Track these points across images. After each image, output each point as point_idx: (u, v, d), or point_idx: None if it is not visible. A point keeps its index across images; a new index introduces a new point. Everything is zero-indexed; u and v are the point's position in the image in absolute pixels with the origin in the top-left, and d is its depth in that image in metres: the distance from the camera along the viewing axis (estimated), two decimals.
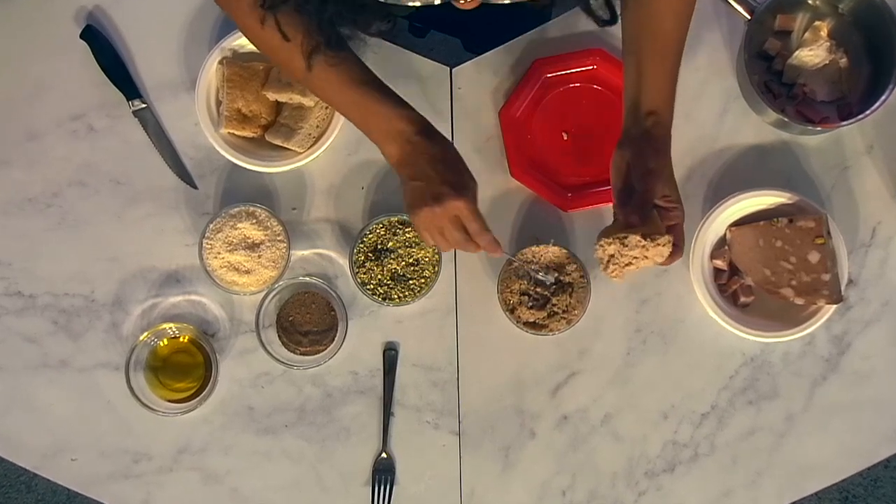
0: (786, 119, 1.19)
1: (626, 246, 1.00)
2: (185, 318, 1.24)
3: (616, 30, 1.27)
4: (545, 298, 1.19)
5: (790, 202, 1.20)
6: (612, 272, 1.02)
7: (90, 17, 1.28)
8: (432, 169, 0.99)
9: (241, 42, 1.23)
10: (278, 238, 1.20)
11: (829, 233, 1.17)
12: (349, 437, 1.23)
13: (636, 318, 1.24)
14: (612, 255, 1.01)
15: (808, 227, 1.17)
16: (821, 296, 1.16)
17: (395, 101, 1.01)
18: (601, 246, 1.01)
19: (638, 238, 0.99)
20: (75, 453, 1.23)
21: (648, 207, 1.01)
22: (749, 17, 1.21)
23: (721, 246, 1.21)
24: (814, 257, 1.17)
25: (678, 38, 1.04)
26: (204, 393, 1.19)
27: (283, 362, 1.19)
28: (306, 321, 1.22)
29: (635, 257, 1.00)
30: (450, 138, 1.26)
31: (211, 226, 1.20)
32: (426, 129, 1.00)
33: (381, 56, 1.28)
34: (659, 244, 0.99)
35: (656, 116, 1.02)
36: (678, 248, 1.02)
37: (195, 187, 1.26)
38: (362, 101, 1.01)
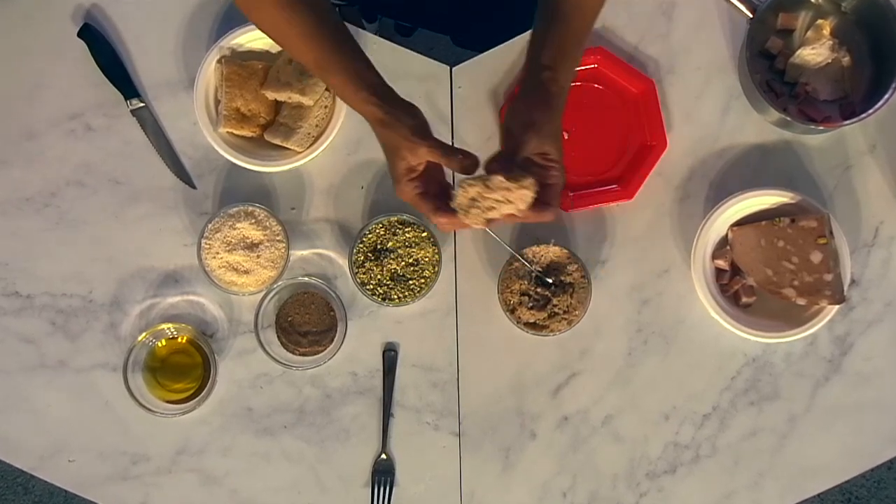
0: (788, 118, 1.19)
1: (489, 188, 0.96)
2: (183, 319, 1.24)
3: (617, 29, 1.28)
4: (546, 299, 1.19)
5: (792, 202, 1.20)
6: (474, 217, 0.98)
7: (88, 16, 1.28)
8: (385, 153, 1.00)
9: (239, 41, 1.23)
10: (277, 238, 1.20)
11: (831, 233, 1.17)
12: (349, 438, 1.23)
13: (637, 319, 1.24)
14: (473, 199, 0.97)
15: (810, 226, 1.17)
16: (823, 296, 1.17)
17: (354, 55, 0.99)
18: (462, 187, 0.97)
19: (500, 178, 0.95)
20: (73, 454, 1.23)
21: (518, 158, 0.99)
22: (751, 16, 1.21)
23: (723, 246, 1.22)
24: (816, 257, 1.17)
25: (593, 6, 1.03)
26: (202, 394, 1.19)
27: (282, 363, 1.19)
28: (305, 321, 1.23)
29: (498, 200, 0.96)
30: (450, 138, 1.27)
31: (209, 226, 1.20)
32: (382, 121, 0.98)
33: (380, 55, 1.28)
34: (524, 186, 0.95)
35: (553, 72, 1.00)
36: (549, 208, 0.99)
37: (194, 187, 1.26)
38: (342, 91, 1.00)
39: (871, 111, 1.17)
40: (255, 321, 1.19)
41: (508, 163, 0.99)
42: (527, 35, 1.28)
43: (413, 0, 1.51)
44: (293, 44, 1.00)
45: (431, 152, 0.97)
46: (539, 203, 0.98)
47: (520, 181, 0.96)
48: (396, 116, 0.97)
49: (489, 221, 0.99)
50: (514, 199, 0.97)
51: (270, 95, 1.23)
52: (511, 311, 1.19)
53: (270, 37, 1.04)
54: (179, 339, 1.23)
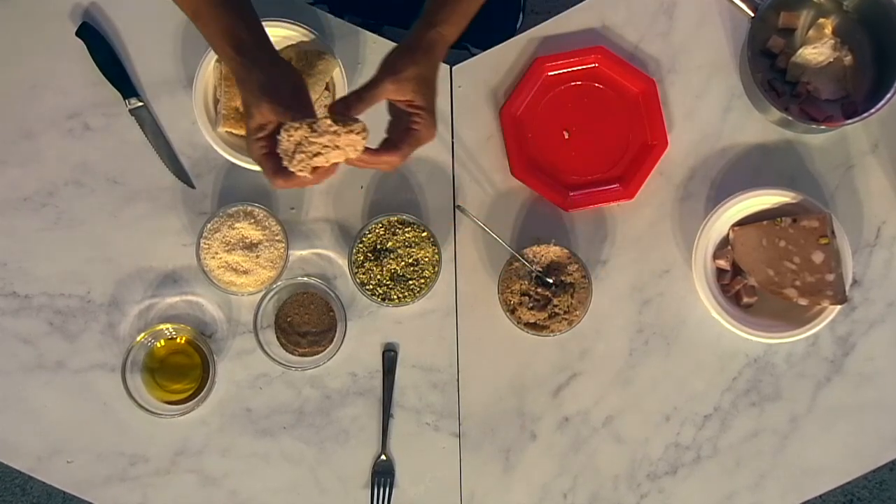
0: (789, 118, 1.19)
1: (315, 132, 0.92)
2: (182, 319, 1.24)
3: (618, 27, 1.28)
4: (546, 299, 1.19)
5: (794, 201, 1.20)
6: (299, 163, 0.93)
7: (86, 15, 1.28)
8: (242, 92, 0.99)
9: None
10: (277, 238, 1.20)
11: (833, 232, 1.18)
12: (348, 439, 1.23)
13: (638, 319, 1.24)
14: (298, 143, 0.93)
15: (811, 226, 1.18)
16: (825, 296, 1.17)
17: (231, 13, 0.99)
18: (286, 131, 0.92)
19: (328, 122, 0.92)
20: (71, 456, 1.24)
21: (365, 98, 0.98)
22: (752, 15, 1.21)
23: (724, 246, 1.22)
24: (818, 257, 1.17)
25: None
26: (201, 394, 1.19)
27: (281, 363, 1.20)
28: (305, 322, 1.23)
29: (325, 146, 0.92)
30: (450, 137, 1.27)
31: (208, 225, 1.20)
32: (237, 76, 0.99)
33: (379, 53, 1.28)
34: (353, 131, 0.92)
35: (438, 28, 1.01)
36: (397, 151, 0.98)
37: (192, 186, 1.26)
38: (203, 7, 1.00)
39: (873, 110, 1.17)
40: (255, 321, 1.19)
41: (355, 104, 0.97)
42: (528, 33, 1.29)
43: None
44: None
45: (274, 110, 0.95)
46: (388, 144, 0.99)
47: (349, 126, 0.93)
48: (248, 72, 0.97)
49: (315, 169, 0.95)
50: (343, 144, 0.93)
51: None
52: (511, 311, 1.19)
53: None
54: (178, 340, 1.23)
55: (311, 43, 1.23)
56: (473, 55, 1.30)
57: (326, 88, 1.23)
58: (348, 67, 1.25)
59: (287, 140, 0.94)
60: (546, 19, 1.29)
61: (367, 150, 0.97)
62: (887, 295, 1.24)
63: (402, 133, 1.00)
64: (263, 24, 1.20)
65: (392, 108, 1.04)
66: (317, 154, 0.93)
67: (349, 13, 1.48)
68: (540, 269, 1.19)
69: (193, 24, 1.03)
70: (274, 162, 0.97)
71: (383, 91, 0.99)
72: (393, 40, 1.26)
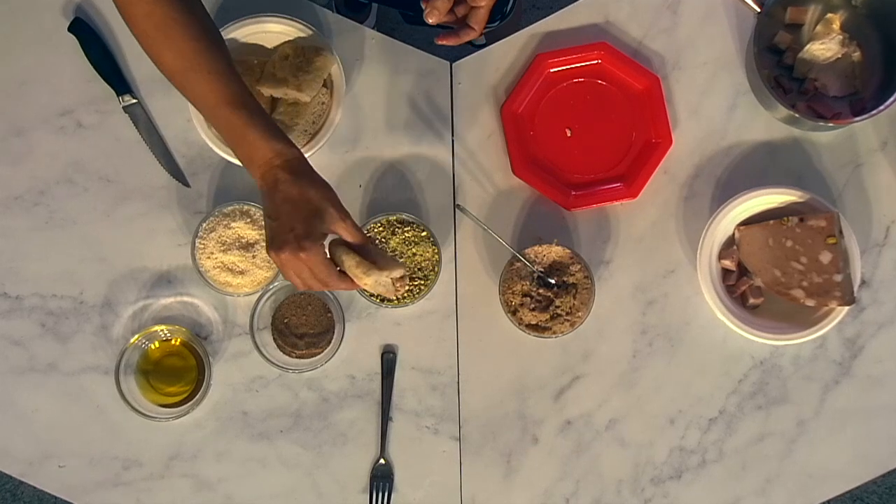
0: (796, 115, 1.20)
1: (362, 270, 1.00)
2: (177, 321, 1.25)
3: (621, 23, 1.29)
4: (548, 300, 1.20)
5: (801, 200, 1.21)
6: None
7: (78, 10, 1.29)
8: (284, 211, 0.97)
9: (234, 36, 1.24)
10: None
11: (841, 232, 1.18)
12: (346, 443, 1.24)
13: (642, 320, 1.25)
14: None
15: (819, 226, 1.18)
16: (833, 297, 1.17)
17: (264, 127, 0.99)
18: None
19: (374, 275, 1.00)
20: (63, 460, 1.24)
21: None
22: (759, 10, 1.22)
23: (729, 246, 1.22)
24: (825, 257, 1.18)
25: None
26: (196, 397, 1.20)
27: (278, 366, 1.20)
28: (302, 323, 1.23)
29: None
30: (450, 135, 1.27)
31: (204, 225, 1.21)
32: (290, 164, 0.99)
33: (378, 50, 1.29)
34: (393, 277, 1.01)
35: None
36: (473, 31, 1.11)
37: (187, 185, 1.27)
38: (229, 122, 1.00)
39: (882, 107, 1.18)
40: (251, 323, 1.19)
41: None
42: (529, 29, 1.29)
43: None
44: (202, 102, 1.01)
45: (318, 267, 0.98)
46: (462, 25, 1.10)
47: (390, 268, 1.01)
48: (315, 180, 0.99)
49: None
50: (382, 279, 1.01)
51: (266, 92, 1.23)
52: (513, 312, 1.20)
53: (139, 34, 1.02)
54: (173, 342, 1.24)
55: (308, 39, 1.24)
56: (475, 48, 1.30)
57: (324, 85, 1.24)
58: (346, 64, 1.25)
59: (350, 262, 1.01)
60: (548, 15, 1.30)
61: (448, 35, 1.12)
62: None
63: (471, 11, 1.10)
64: (261, 20, 1.21)
65: None
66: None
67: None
68: (542, 270, 1.20)
69: (225, 139, 1.03)
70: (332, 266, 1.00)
71: None
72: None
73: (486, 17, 1.11)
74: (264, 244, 1.19)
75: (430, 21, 1.09)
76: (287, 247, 0.96)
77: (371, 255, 1.01)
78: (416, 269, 1.21)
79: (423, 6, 1.10)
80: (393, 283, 1.02)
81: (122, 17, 1.01)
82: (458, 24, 1.12)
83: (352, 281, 1.01)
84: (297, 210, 0.97)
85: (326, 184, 1.00)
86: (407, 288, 1.16)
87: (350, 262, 1.00)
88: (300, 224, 0.96)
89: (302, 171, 0.99)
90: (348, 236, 1.00)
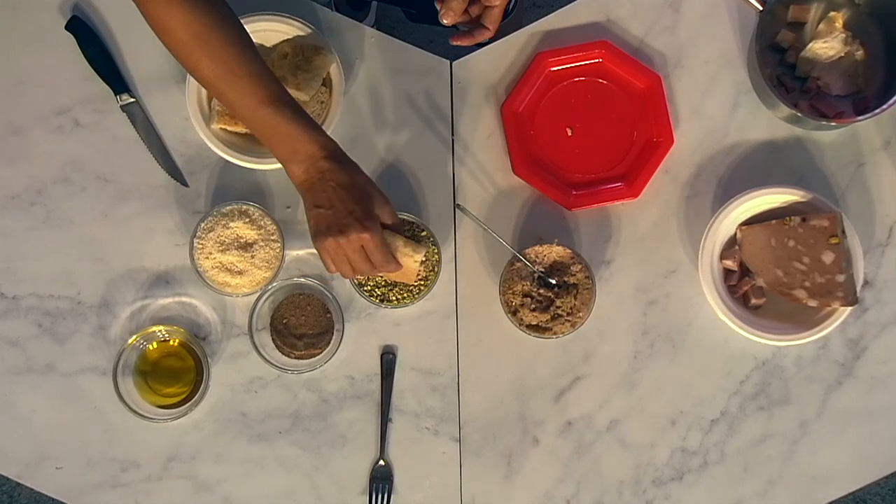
0: (799, 114, 1.20)
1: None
2: (175, 321, 1.25)
3: (622, 21, 1.29)
4: (549, 300, 1.20)
5: (803, 200, 1.21)
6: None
7: (76, 8, 1.29)
8: (338, 198, 1.02)
9: None
10: (272, 238, 1.21)
11: (843, 232, 1.18)
12: (345, 445, 1.24)
13: (643, 321, 1.25)
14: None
15: (821, 226, 1.18)
16: (835, 297, 1.17)
17: (305, 123, 1.03)
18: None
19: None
20: (60, 461, 1.24)
21: None
22: (761, 8, 1.22)
23: (731, 246, 1.23)
24: (828, 257, 1.18)
25: None
26: (195, 398, 1.20)
27: (277, 366, 1.20)
28: (301, 324, 1.24)
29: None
30: (450, 135, 1.27)
31: (202, 225, 1.21)
32: (335, 154, 1.03)
33: (378, 49, 1.29)
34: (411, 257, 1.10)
35: None
36: (487, 30, 1.13)
37: (186, 185, 1.27)
38: (271, 120, 1.02)
39: (885, 106, 1.18)
40: (249, 323, 1.19)
41: None
42: (530, 27, 1.29)
43: None
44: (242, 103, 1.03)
45: (377, 248, 1.05)
46: (476, 26, 1.13)
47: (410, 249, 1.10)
48: (352, 161, 1.05)
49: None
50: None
51: None
52: (513, 312, 1.20)
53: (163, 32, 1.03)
54: (171, 342, 1.24)
55: (307, 37, 1.24)
56: (475, 46, 1.30)
57: (323, 84, 1.24)
58: (346, 62, 1.26)
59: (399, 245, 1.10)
60: (548, 13, 1.30)
61: (463, 36, 1.15)
62: None
63: (486, 10, 1.12)
64: (260, 18, 1.21)
65: None
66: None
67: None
68: (542, 270, 1.20)
69: (261, 138, 1.05)
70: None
71: None
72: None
73: (501, 17, 1.13)
74: (263, 244, 1.21)
75: (446, 22, 1.11)
76: (350, 229, 1.01)
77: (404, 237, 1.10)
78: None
79: (438, 7, 1.11)
80: (420, 265, 1.12)
81: (155, 30, 1.03)
82: (472, 24, 1.14)
83: (397, 262, 1.08)
84: (351, 195, 1.02)
85: (363, 170, 1.05)
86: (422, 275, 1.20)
87: (398, 242, 1.08)
88: (358, 207, 1.02)
89: (346, 159, 1.04)
90: (389, 218, 1.06)
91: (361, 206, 1.02)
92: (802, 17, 1.26)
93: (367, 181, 1.05)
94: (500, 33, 1.31)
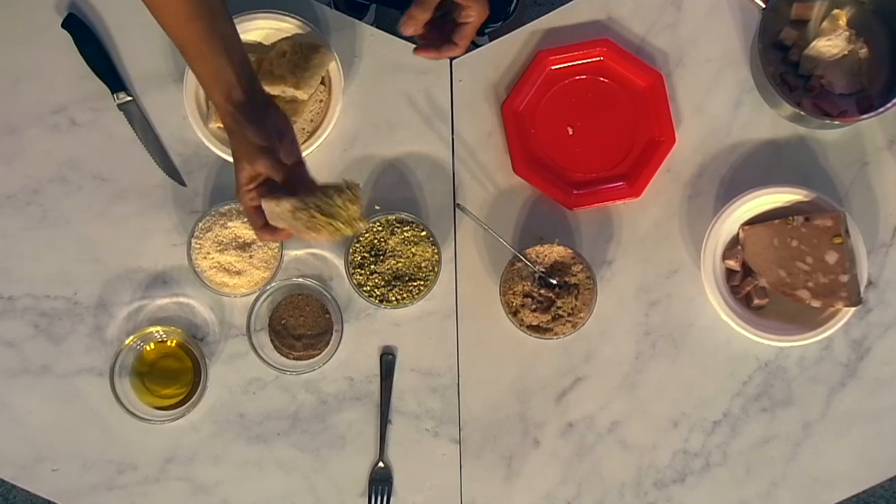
0: (802, 113, 1.20)
1: (303, 205, 0.98)
2: (172, 322, 1.25)
3: (624, 19, 1.29)
4: (550, 301, 1.20)
5: (806, 200, 1.21)
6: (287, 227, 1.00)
7: (72, 6, 1.29)
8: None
9: None
10: None
11: (847, 232, 1.18)
12: (345, 446, 1.24)
13: (645, 322, 1.25)
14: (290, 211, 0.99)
15: (825, 225, 1.18)
16: (839, 298, 1.17)
17: (219, 54, 1.01)
18: (269, 202, 1.00)
19: (316, 199, 0.97)
20: (56, 463, 1.24)
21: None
22: (764, 6, 1.22)
23: (734, 246, 1.23)
24: (831, 257, 1.18)
25: None
26: (192, 399, 1.20)
27: (275, 367, 1.20)
28: (300, 324, 1.24)
29: (313, 216, 0.98)
30: (449, 133, 1.27)
31: (200, 224, 1.21)
32: (229, 128, 1.01)
33: (377, 47, 1.29)
34: (345, 198, 0.98)
35: None
36: (455, 46, 1.09)
37: (183, 184, 1.27)
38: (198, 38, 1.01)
39: (889, 105, 1.18)
40: (248, 324, 1.19)
41: (418, 11, 1.07)
42: (530, 25, 1.29)
43: None
44: (172, 13, 1.02)
45: (265, 165, 0.99)
46: (445, 40, 1.09)
47: (341, 195, 0.98)
48: (238, 124, 1.00)
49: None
50: (335, 208, 0.98)
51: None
52: (513, 313, 1.20)
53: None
54: (168, 343, 1.24)
55: (306, 35, 1.24)
56: (475, 46, 1.30)
57: (322, 83, 1.24)
58: (345, 61, 1.26)
59: (275, 207, 0.99)
60: (549, 11, 1.30)
61: (429, 48, 1.10)
62: None
63: (457, 27, 1.09)
64: (259, 17, 1.21)
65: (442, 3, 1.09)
66: (308, 225, 0.98)
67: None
68: (543, 270, 1.20)
69: (185, 58, 1.04)
70: (262, 216, 1.02)
71: None
72: (390, 27, 1.27)
73: (473, 34, 1.11)
74: (261, 244, 1.21)
75: (406, 33, 1.09)
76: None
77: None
78: (415, 269, 1.21)
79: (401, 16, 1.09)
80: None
81: None
82: (440, 39, 1.12)
83: (268, 231, 1.03)
84: (235, 164, 1.03)
85: (249, 138, 1.01)
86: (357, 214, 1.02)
87: (285, 205, 0.99)
88: (236, 175, 1.03)
89: (227, 126, 1.02)
90: (278, 176, 1.01)
91: (237, 174, 1.02)
92: (806, 14, 1.26)
93: (253, 145, 1.00)
94: (500, 32, 1.31)
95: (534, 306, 1.20)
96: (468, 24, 1.09)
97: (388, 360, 1.24)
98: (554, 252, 1.20)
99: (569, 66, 1.27)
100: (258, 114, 1.01)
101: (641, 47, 1.29)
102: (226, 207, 1.21)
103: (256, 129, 0.99)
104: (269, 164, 0.99)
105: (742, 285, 1.22)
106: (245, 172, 1.01)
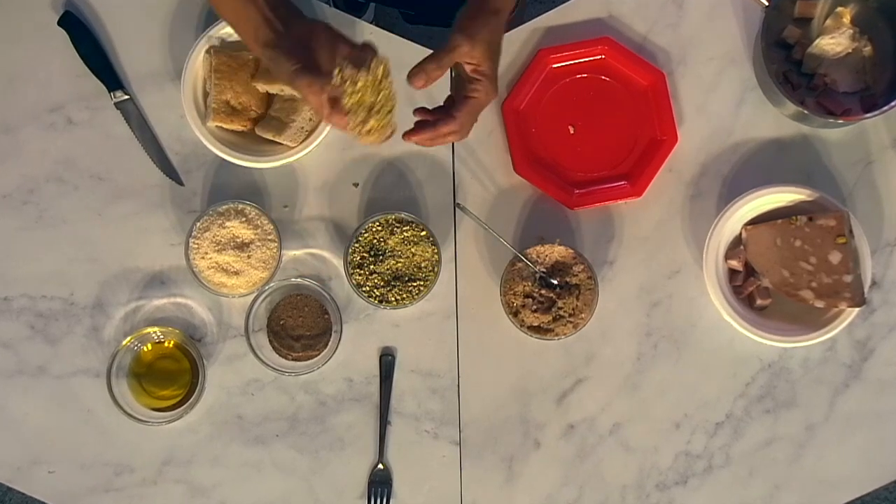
0: (805, 111, 1.20)
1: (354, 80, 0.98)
2: (170, 322, 1.25)
3: (625, 18, 1.29)
4: (550, 301, 1.20)
5: (810, 199, 1.21)
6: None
7: (69, 4, 1.29)
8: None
9: (229, 30, 1.24)
10: (269, 237, 1.21)
11: (851, 231, 1.18)
12: (344, 448, 1.24)
13: (647, 322, 1.25)
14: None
15: (828, 225, 1.18)
16: (842, 298, 1.17)
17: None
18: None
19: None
20: (53, 465, 1.24)
21: (443, 62, 1.01)
22: (767, 4, 1.22)
23: (736, 246, 1.22)
24: (835, 258, 1.18)
25: None
26: (190, 401, 1.20)
27: (274, 368, 1.20)
28: (299, 325, 1.24)
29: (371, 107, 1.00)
30: None
31: (198, 224, 1.21)
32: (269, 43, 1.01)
33: (377, 45, 1.28)
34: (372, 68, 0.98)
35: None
36: (455, 121, 1.02)
37: (181, 184, 1.27)
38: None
39: (893, 103, 1.18)
40: (246, 325, 1.19)
41: (432, 69, 1.01)
42: (531, 24, 1.29)
43: None
44: None
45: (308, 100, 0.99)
46: (445, 115, 1.03)
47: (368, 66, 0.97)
48: (277, 65, 1.00)
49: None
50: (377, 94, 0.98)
51: (262, 88, 1.23)
52: (514, 313, 1.20)
53: None
54: (166, 344, 1.24)
55: None
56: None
57: None
58: None
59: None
60: (550, 9, 1.30)
61: (422, 129, 1.03)
62: None
63: (459, 102, 1.04)
64: None
65: (454, 74, 1.07)
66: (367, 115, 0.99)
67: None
68: (544, 270, 1.20)
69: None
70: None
71: (458, 54, 1.02)
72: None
73: (475, 115, 1.05)
74: (259, 244, 1.20)
75: (415, 86, 1.03)
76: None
77: None
78: (415, 269, 1.21)
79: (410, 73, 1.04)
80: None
81: None
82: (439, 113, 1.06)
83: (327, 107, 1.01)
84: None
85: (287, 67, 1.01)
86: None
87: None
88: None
89: (277, 54, 1.01)
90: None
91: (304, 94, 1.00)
92: (809, 12, 1.26)
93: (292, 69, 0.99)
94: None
95: (534, 307, 1.20)
96: (473, 100, 1.03)
97: (387, 361, 1.24)
98: (555, 252, 1.20)
99: (570, 65, 1.27)
100: (293, 44, 1.00)
101: (643, 45, 1.29)
102: (224, 207, 1.21)
103: (289, 59, 0.99)
104: (308, 81, 0.97)
105: (745, 285, 1.22)
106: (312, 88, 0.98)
